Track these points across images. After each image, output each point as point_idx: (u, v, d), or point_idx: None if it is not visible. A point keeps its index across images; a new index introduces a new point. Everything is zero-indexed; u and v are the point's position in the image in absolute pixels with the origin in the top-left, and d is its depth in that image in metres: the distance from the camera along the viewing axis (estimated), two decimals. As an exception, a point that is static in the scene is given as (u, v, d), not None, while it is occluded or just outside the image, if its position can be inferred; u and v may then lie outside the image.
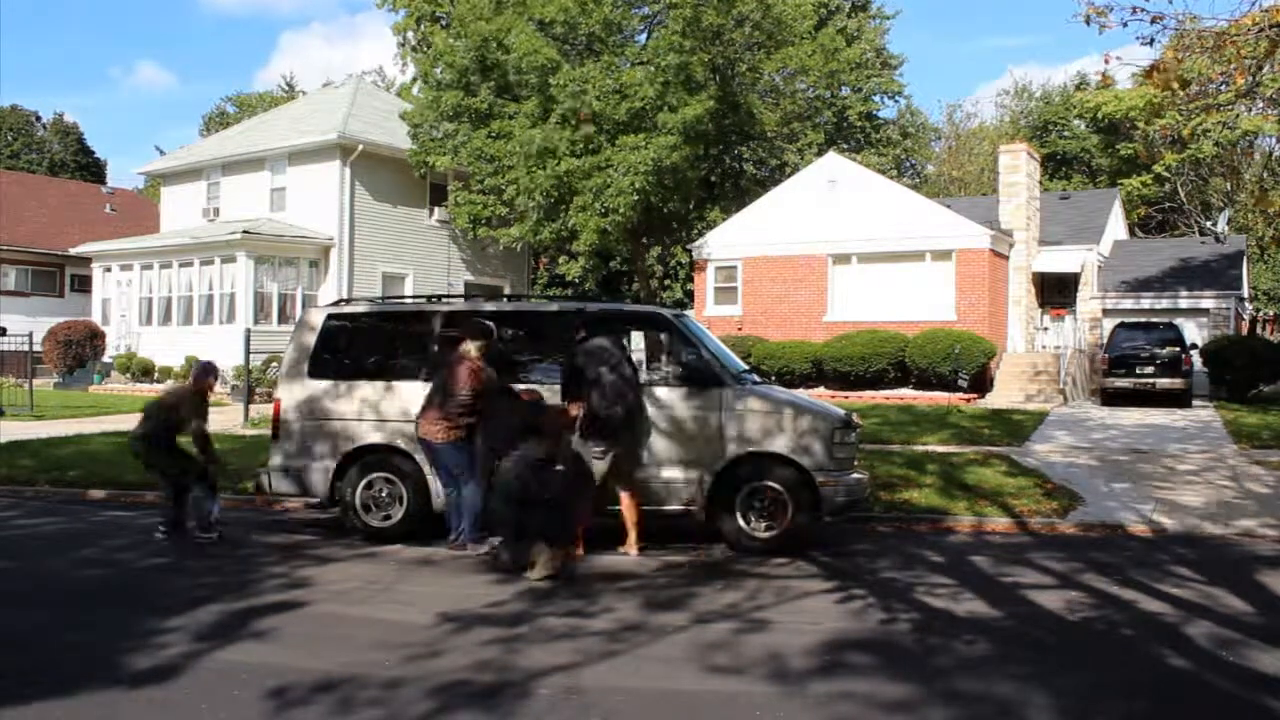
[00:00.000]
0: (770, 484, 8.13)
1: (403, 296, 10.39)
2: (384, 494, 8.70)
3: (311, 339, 9.09)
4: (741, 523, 8.16)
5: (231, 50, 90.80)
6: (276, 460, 9.03)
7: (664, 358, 8.73)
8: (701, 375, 8.36)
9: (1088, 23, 10.68)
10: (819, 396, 22.12)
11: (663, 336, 8.83)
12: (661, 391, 8.38)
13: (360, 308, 9.97)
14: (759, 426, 8.18)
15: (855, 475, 8.44)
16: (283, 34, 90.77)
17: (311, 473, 8.85)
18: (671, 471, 8.25)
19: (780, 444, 8.14)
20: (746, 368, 9.25)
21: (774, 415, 8.23)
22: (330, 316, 9.29)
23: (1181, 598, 6.71)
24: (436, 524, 8.63)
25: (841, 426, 8.31)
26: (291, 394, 9.04)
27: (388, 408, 8.71)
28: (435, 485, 8.50)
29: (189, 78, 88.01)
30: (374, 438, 8.72)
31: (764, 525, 8.15)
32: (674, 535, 8.93)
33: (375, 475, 8.71)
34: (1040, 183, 28.17)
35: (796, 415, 8.26)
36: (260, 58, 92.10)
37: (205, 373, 9.24)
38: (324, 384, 8.93)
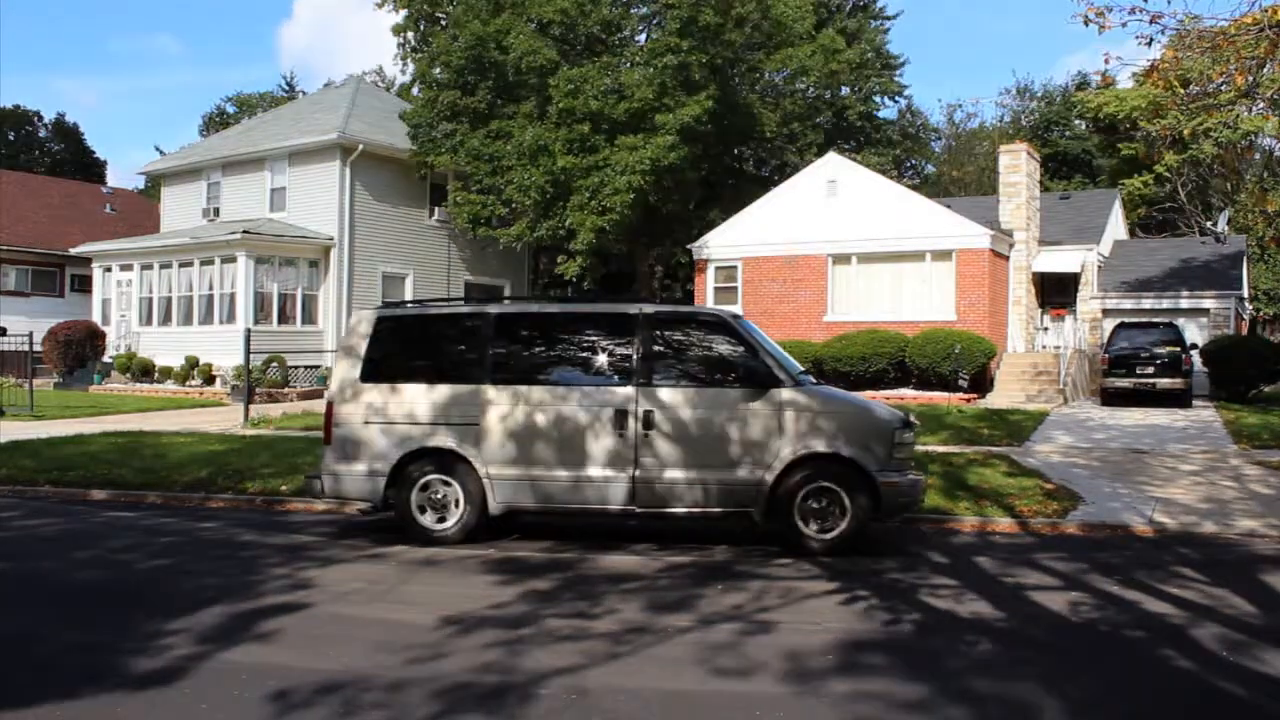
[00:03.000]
0: (830, 485, 8.08)
1: (451, 299, 10.28)
2: (440, 497, 8.61)
3: (363, 342, 8.95)
4: (800, 524, 8.10)
5: (233, 44, 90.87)
6: (329, 464, 8.88)
7: (723, 358, 8.64)
8: (760, 376, 8.30)
9: (1087, 23, 10.68)
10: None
11: (721, 337, 8.73)
12: (721, 392, 8.32)
13: (412, 310, 9.85)
14: (819, 427, 8.13)
15: (913, 475, 8.40)
16: (283, 33, 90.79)
17: (365, 477, 8.71)
18: (732, 473, 8.18)
19: (841, 445, 8.08)
20: (803, 368, 9.16)
21: (834, 416, 8.20)
22: (381, 319, 9.13)
23: (1185, 599, 6.70)
24: (494, 527, 8.60)
25: (901, 427, 8.27)
26: (344, 397, 8.87)
27: (443, 410, 8.60)
28: (491, 488, 8.46)
29: (195, 65, 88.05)
30: (430, 441, 8.60)
31: (823, 527, 8.09)
32: (687, 537, 8.92)
33: (431, 479, 8.62)
34: (1040, 183, 28.16)
35: (857, 415, 8.26)
36: (262, 53, 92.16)
37: None
38: (377, 387, 8.80)
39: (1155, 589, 6.94)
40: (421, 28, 29.59)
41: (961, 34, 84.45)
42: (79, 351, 27.41)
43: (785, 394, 8.23)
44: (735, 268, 25.45)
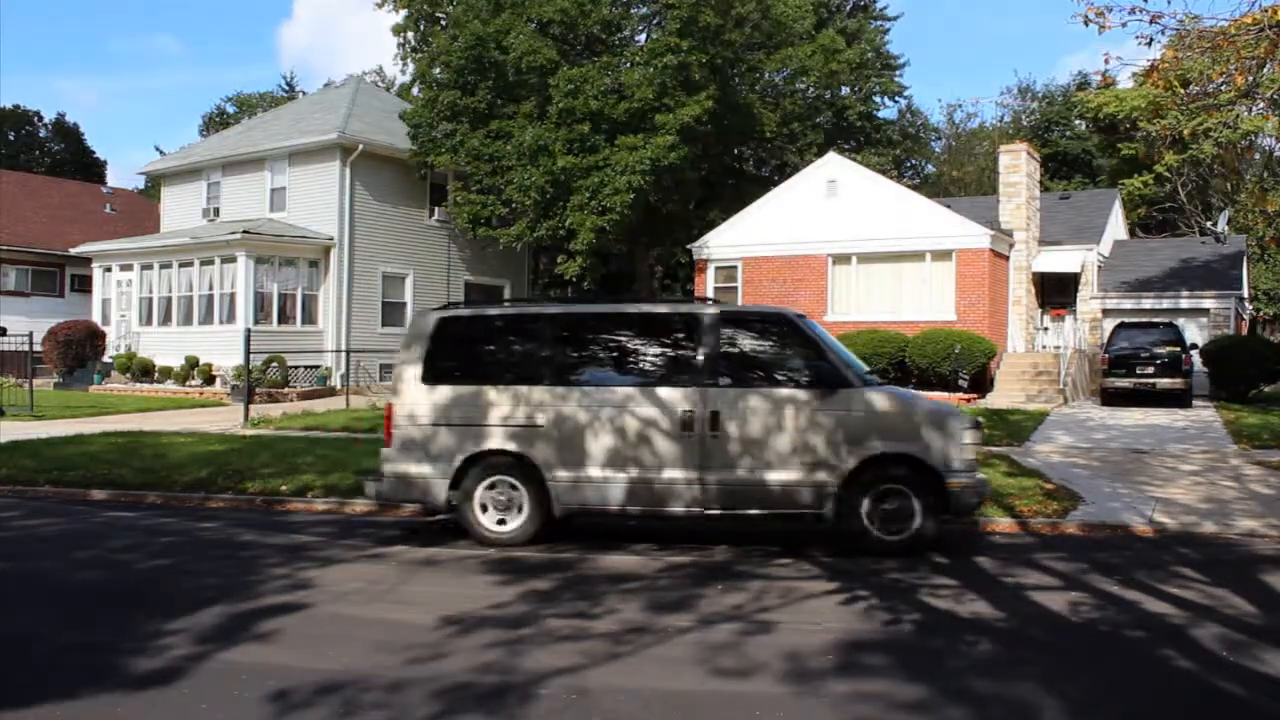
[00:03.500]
0: (899, 486, 8.04)
1: (513, 299, 10.09)
2: (504, 500, 8.53)
3: (424, 343, 8.85)
4: (869, 525, 8.06)
5: (235, 40, 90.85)
6: (390, 467, 8.78)
7: (788, 358, 8.59)
8: (828, 376, 8.26)
9: (1086, 23, 10.68)
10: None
11: (789, 337, 8.67)
12: (788, 393, 8.25)
13: (474, 311, 9.71)
14: (888, 428, 8.09)
15: (980, 475, 8.37)
16: (283, 33, 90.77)
17: (427, 479, 8.62)
18: (799, 474, 8.13)
19: (910, 446, 8.05)
20: (868, 369, 9.11)
21: (904, 416, 8.15)
22: (443, 320, 9.03)
23: (1185, 599, 6.70)
24: (556, 530, 8.55)
25: (970, 427, 8.22)
26: (404, 399, 8.77)
27: (507, 412, 8.52)
28: (556, 491, 8.40)
29: (195, 64, 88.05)
30: (493, 443, 8.51)
31: (893, 528, 8.05)
32: (687, 537, 8.92)
33: (494, 481, 8.54)
34: (1041, 183, 28.17)
35: (926, 417, 8.19)
36: (263, 51, 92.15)
37: None
38: (438, 388, 8.70)
39: (1155, 589, 6.94)
40: (421, 28, 29.61)
41: (961, 34, 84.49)
42: (79, 351, 27.41)
43: (853, 394, 8.18)
44: (735, 268, 25.45)
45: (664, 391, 8.37)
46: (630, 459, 8.31)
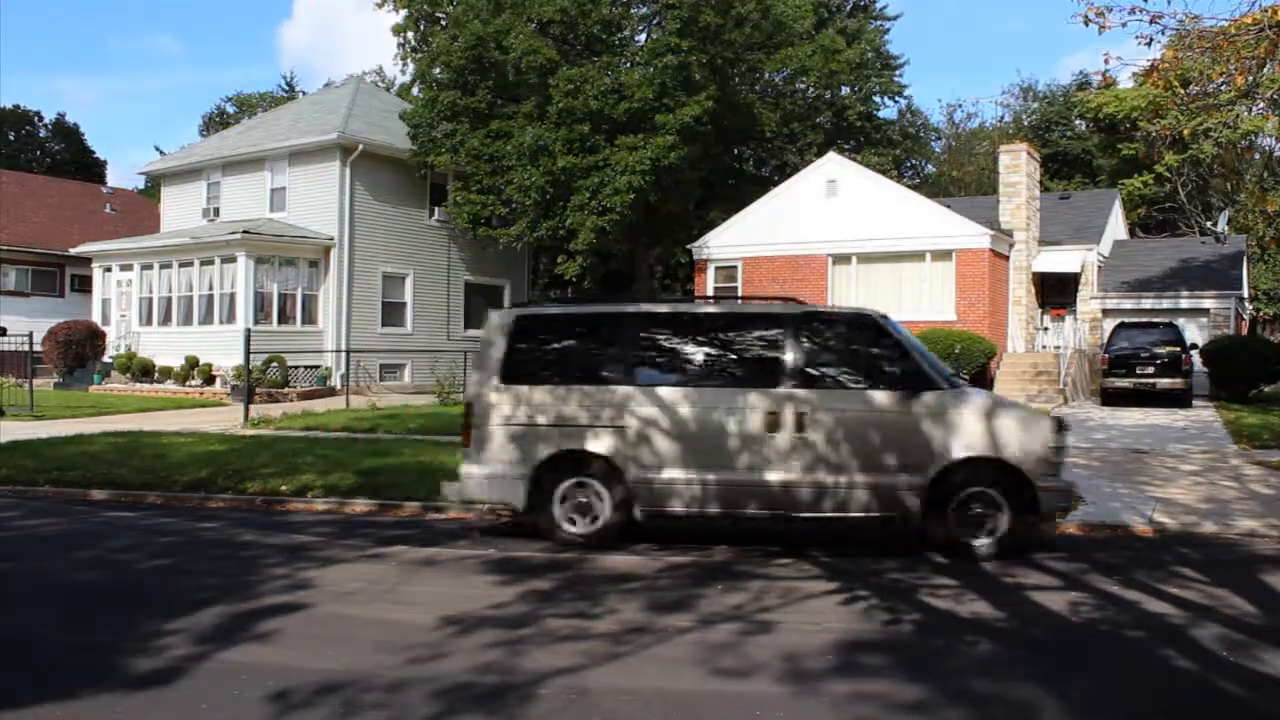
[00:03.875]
0: (987, 490, 7.90)
1: (590, 298, 9.87)
2: (584, 501, 8.42)
3: (502, 342, 8.73)
4: (955, 529, 7.95)
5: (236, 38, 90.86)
6: (468, 468, 8.67)
7: (874, 360, 8.48)
8: (914, 378, 8.14)
9: (1087, 23, 10.70)
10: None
11: (874, 338, 8.55)
12: (874, 394, 8.14)
13: (552, 310, 9.60)
14: (977, 431, 7.95)
15: (1066, 478, 8.26)
16: (283, 33, 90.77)
17: (506, 481, 8.49)
18: (885, 477, 8.00)
19: (999, 448, 7.91)
20: (952, 370, 9.07)
21: (992, 419, 8.01)
22: (520, 319, 8.91)
23: (1185, 598, 6.70)
24: (638, 532, 8.46)
25: (1058, 429, 8.10)
26: (483, 399, 8.65)
27: (586, 412, 8.39)
28: (638, 492, 8.27)
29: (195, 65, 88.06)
30: (573, 444, 8.39)
31: (981, 532, 7.92)
32: (687, 537, 8.92)
33: (574, 482, 8.42)
34: (1040, 183, 28.17)
35: (1014, 419, 8.06)
36: (264, 50, 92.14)
37: None
38: (517, 388, 8.57)
39: (1155, 589, 6.94)
40: (421, 28, 29.62)
41: (961, 34, 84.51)
42: (79, 351, 27.41)
43: (940, 397, 8.05)
44: (735, 268, 25.46)
45: (748, 392, 8.24)
46: (713, 460, 8.19)
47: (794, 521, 8.35)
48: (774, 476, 8.12)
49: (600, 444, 8.35)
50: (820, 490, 8.08)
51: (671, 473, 8.26)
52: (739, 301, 9.32)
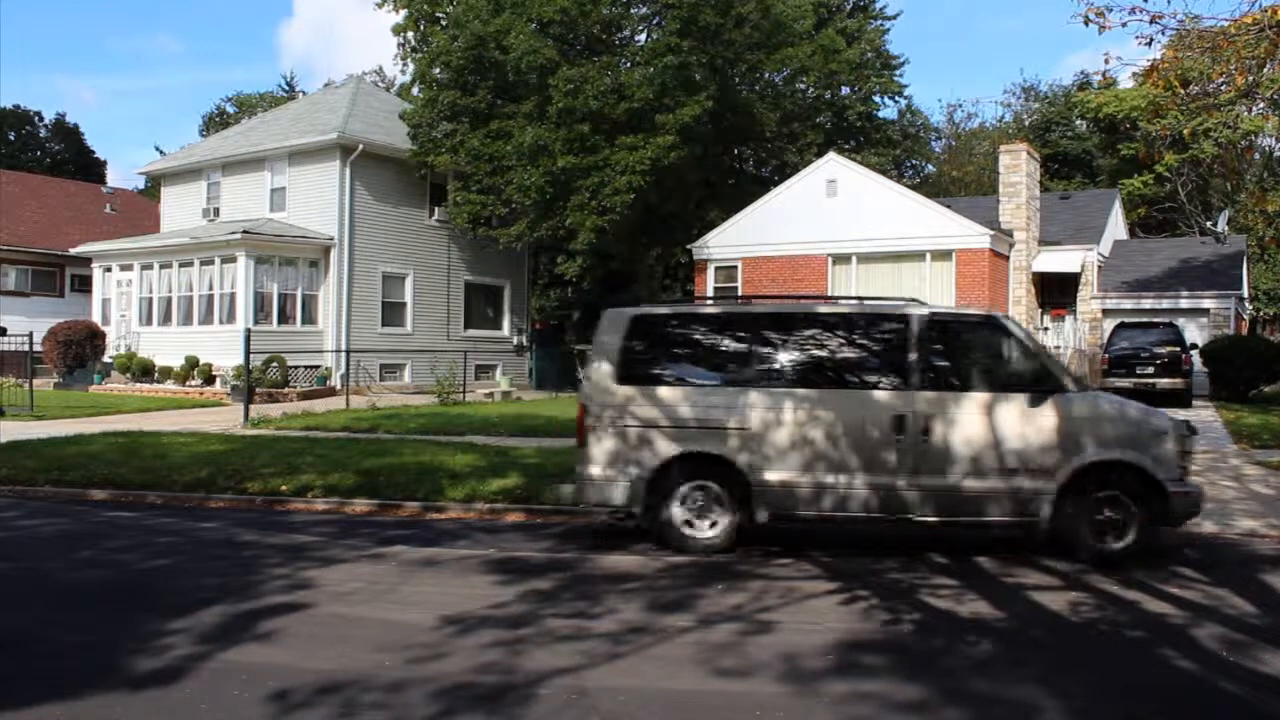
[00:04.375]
0: (1117, 494, 7.78)
1: (706, 297, 9.39)
2: (702, 504, 8.24)
3: (617, 342, 8.59)
4: (1084, 533, 7.80)
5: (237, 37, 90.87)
6: (583, 470, 8.51)
7: (1001, 362, 8.38)
8: (1042, 380, 8.01)
9: (1087, 23, 10.70)
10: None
11: (999, 340, 8.46)
12: (1001, 397, 8.00)
13: (668, 310, 9.33)
14: (1106, 434, 7.83)
15: (1195, 482, 8.16)
16: (283, 33, 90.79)
17: (623, 483, 8.33)
18: (1013, 481, 7.86)
19: (1129, 453, 7.78)
20: (1077, 373, 8.98)
21: (1122, 423, 7.90)
22: (636, 319, 8.74)
23: (1185, 598, 6.71)
24: (759, 536, 8.36)
25: (1188, 433, 8.00)
26: (598, 400, 8.51)
27: (705, 414, 8.23)
28: (758, 495, 8.12)
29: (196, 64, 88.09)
30: (692, 446, 8.23)
31: (1110, 537, 7.78)
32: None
33: (693, 485, 8.24)
34: (1041, 183, 28.18)
35: (1144, 423, 7.93)
36: (264, 49, 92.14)
37: None
38: (634, 389, 8.42)
39: (1155, 589, 6.95)
40: (421, 28, 29.60)
41: (961, 34, 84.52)
42: (79, 351, 27.42)
43: (1069, 400, 7.92)
44: (735, 268, 25.46)
45: (872, 394, 8.11)
46: (836, 463, 8.05)
47: (918, 526, 8.20)
48: (899, 480, 7.96)
49: (720, 446, 8.18)
50: (948, 494, 7.92)
51: (794, 476, 8.09)
52: (860, 301, 9.19)
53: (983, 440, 7.92)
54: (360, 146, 26.57)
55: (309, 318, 26.63)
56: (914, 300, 9.02)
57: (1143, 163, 35.40)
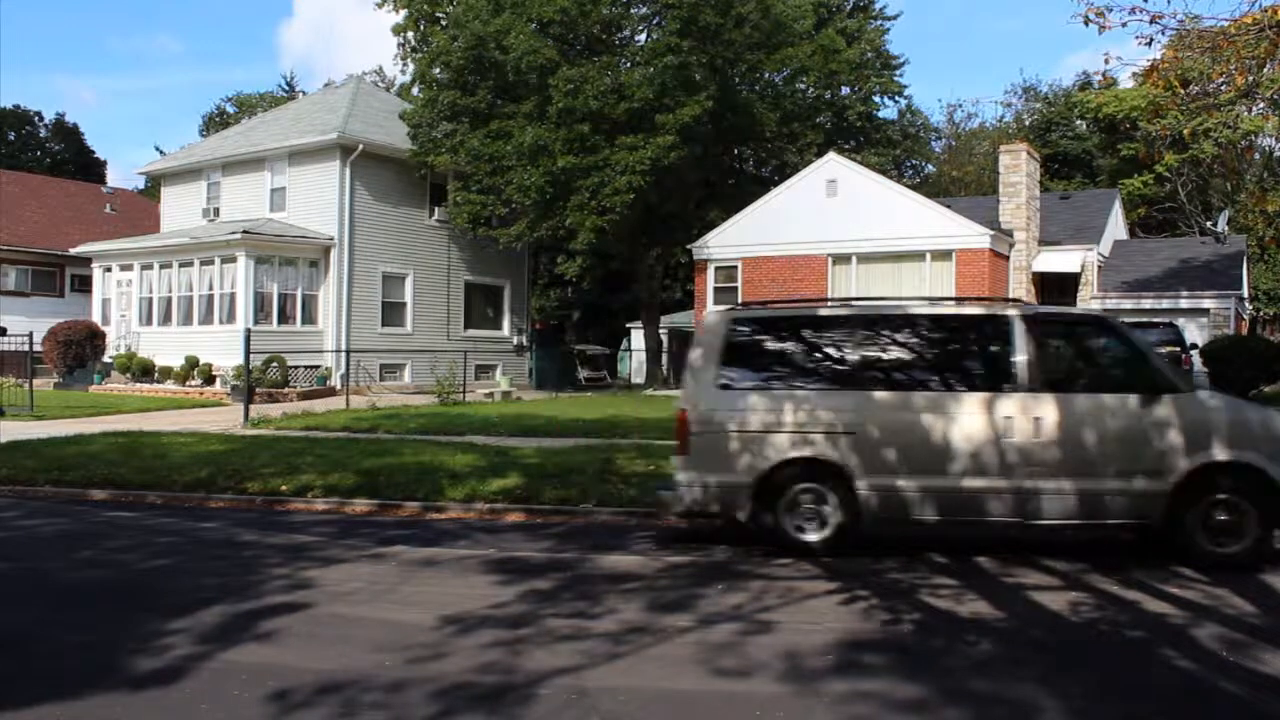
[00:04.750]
0: (1232, 497, 7.63)
1: (810, 299, 9.13)
2: (811, 509, 8.15)
3: (718, 344, 8.47)
4: (1198, 537, 7.65)
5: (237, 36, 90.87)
6: (686, 476, 8.35)
7: (1109, 362, 8.28)
8: (1151, 380, 7.88)
9: (1087, 23, 10.71)
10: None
11: (1107, 340, 8.36)
12: (1111, 398, 7.88)
13: (772, 311, 9.20)
14: (1220, 435, 7.69)
15: None
16: (283, 33, 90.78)
17: (729, 489, 8.22)
18: (1125, 483, 7.75)
19: (1246, 454, 7.63)
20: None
21: (1236, 424, 7.77)
22: (738, 321, 8.68)
23: (1185, 598, 6.71)
24: (866, 539, 8.24)
25: None
26: (700, 404, 8.36)
27: (812, 417, 8.11)
28: (866, 499, 8.03)
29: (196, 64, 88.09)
30: (799, 450, 8.11)
31: (1225, 540, 7.62)
32: (688, 536, 8.91)
33: (802, 489, 8.14)
34: (1041, 183, 28.18)
35: (1260, 423, 7.81)
36: (264, 49, 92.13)
37: None
38: (737, 392, 8.31)
39: (1155, 589, 6.95)
40: (421, 28, 29.63)
41: (961, 34, 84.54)
42: (79, 351, 27.43)
43: (1182, 400, 7.78)
44: (735, 268, 25.47)
45: (980, 396, 7.98)
46: (945, 466, 7.93)
47: (1030, 529, 8.11)
48: (1009, 483, 7.86)
49: (825, 450, 8.08)
50: (1059, 497, 7.83)
51: (903, 479, 8.01)
52: (962, 301, 9.12)
53: (1094, 442, 7.80)
54: (360, 146, 26.58)
55: (309, 318, 26.63)
56: (1016, 300, 8.92)
57: (1143, 163, 35.42)
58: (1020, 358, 8.06)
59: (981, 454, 7.89)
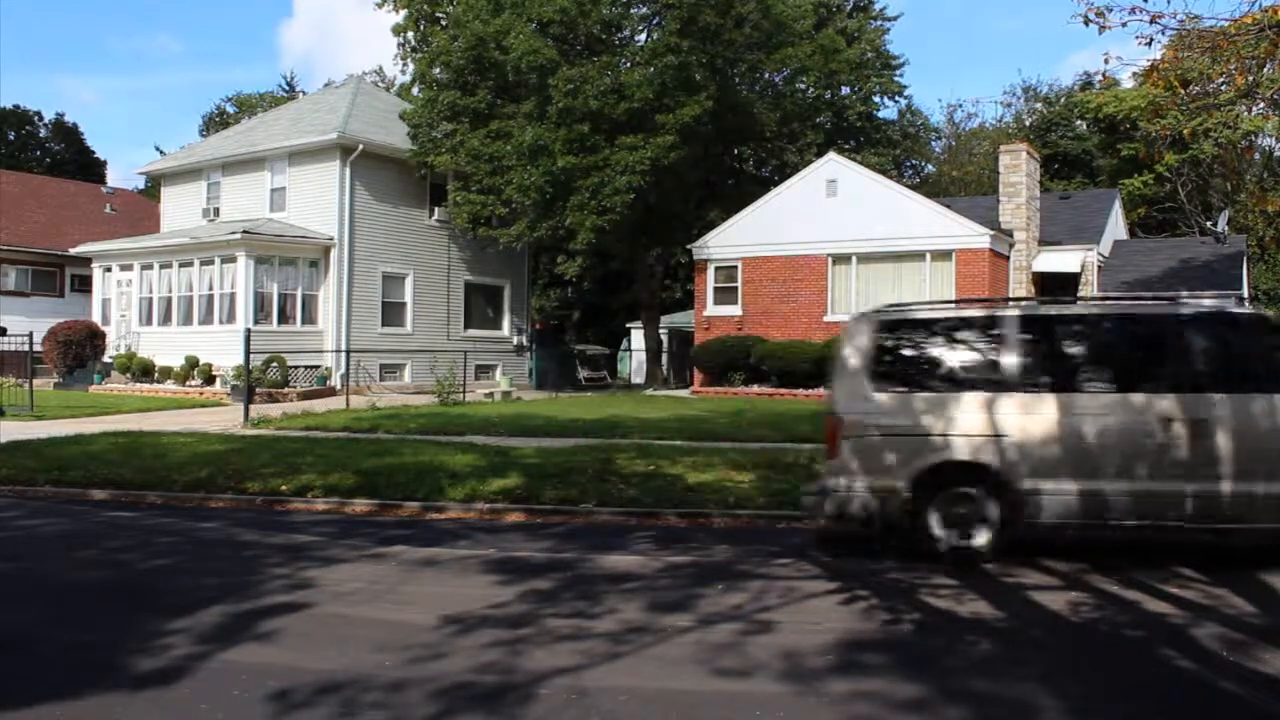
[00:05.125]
0: None
1: (960, 299, 8.80)
2: (967, 514, 7.92)
3: (867, 347, 8.30)
4: None
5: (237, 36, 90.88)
6: (837, 481, 8.20)
7: (1277, 361, 7.95)
8: None
9: (1087, 23, 10.71)
10: (819, 397, 22.19)
11: (1272, 339, 8.10)
12: None
13: (924, 313, 8.90)
14: None
15: None
16: (283, 33, 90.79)
17: (882, 494, 8.04)
18: None
19: None
20: None
21: None
22: (885, 323, 8.49)
23: (1185, 598, 6.71)
24: (1024, 545, 8.11)
25: None
26: (850, 407, 8.19)
27: (969, 420, 7.90)
28: (1026, 504, 7.81)
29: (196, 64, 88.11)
30: (955, 454, 7.91)
31: None
32: (686, 537, 8.91)
33: (958, 493, 7.93)
34: (1041, 183, 28.18)
35: None
36: (264, 50, 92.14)
37: None
38: (888, 395, 8.14)
39: (1155, 589, 6.94)
40: (421, 28, 29.65)
41: (961, 34, 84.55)
42: (79, 351, 27.43)
43: None
44: (735, 268, 25.47)
45: (1145, 398, 7.74)
46: (1109, 470, 7.69)
47: (1189, 533, 7.94)
48: (1179, 487, 7.63)
49: (983, 453, 7.87)
50: (1229, 501, 7.62)
51: (1062, 484, 7.78)
52: (1122, 301, 8.96)
53: (1267, 444, 7.61)
54: (360, 146, 26.58)
55: (309, 318, 26.63)
56: (1171, 298, 8.70)
57: (1143, 163, 35.43)
58: (1187, 356, 7.88)
59: (1147, 457, 7.64)
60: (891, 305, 9.21)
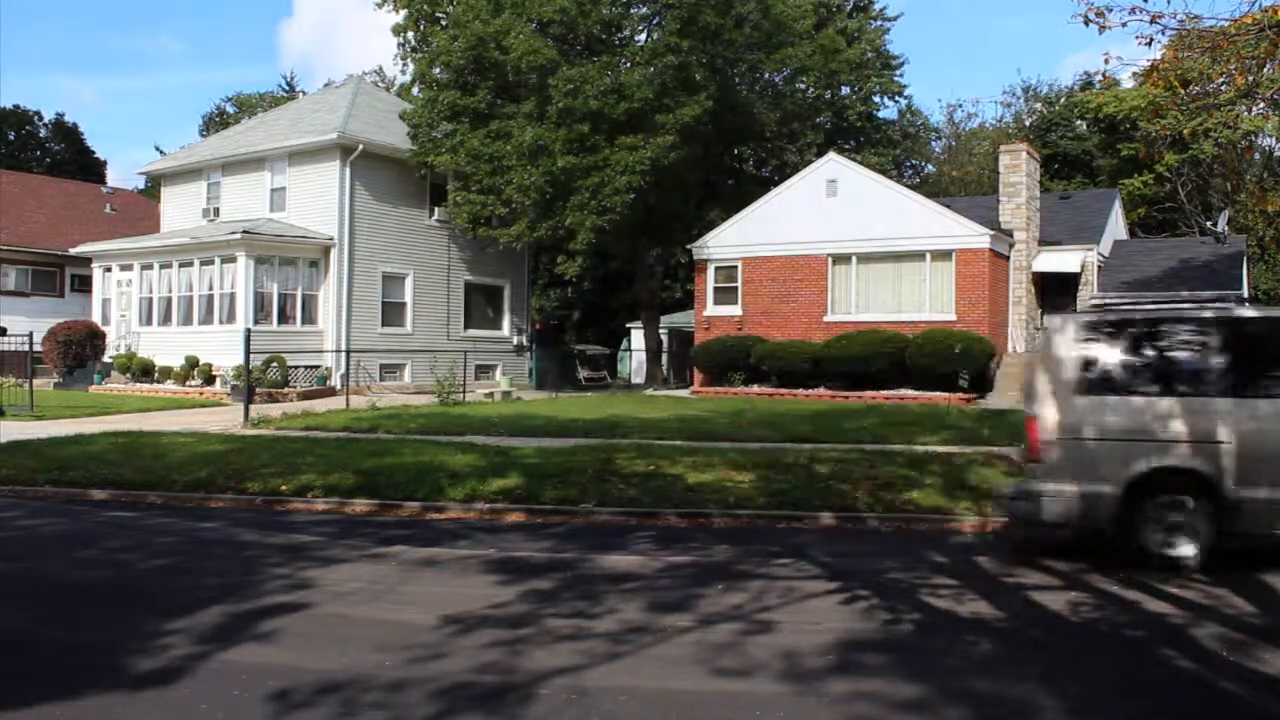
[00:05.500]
0: None
1: (1171, 298, 8.63)
2: (1178, 521, 7.70)
3: (1070, 347, 8.07)
4: None
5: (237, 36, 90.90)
6: (1040, 486, 8.00)
7: None
8: None
9: (1087, 23, 10.70)
10: (819, 396, 22.21)
11: None
12: None
13: (1132, 313, 8.49)
14: None
15: None
16: (283, 33, 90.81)
17: (1089, 500, 7.82)
18: None
19: None
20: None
21: None
22: (1089, 324, 8.24)
23: (1185, 598, 6.71)
24: (1238, 554, 7.96)
25: None
26: (1055, 411, 7.97)
27: (1180, 425, 7.67)
28: (1242, 513, 7.56)
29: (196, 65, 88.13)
30: (1165, 460, 7.67)
31: None
32: (685, 537, 8.91)
33: (1169, 501, 7.69)
34: (1041, 183, 28.18)
35: None
36: (265, 50, 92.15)
37: None
38: (1092, 398, 7.92)
39: (1155, 589, 6.95)
40: (421, 28, 29.63)
41: (961, 34, 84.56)
42: (79, 351, 27.42)
43: None
44: (735, 268, 25.47)
45: None
46: None
47: None
48: None
49: (1196, 460, 7.63)
50: None
51: (1277, 492, 7.53)
52: None
53: None
54: (360, 146, 26.57)
55: (309, 318, 26.62)
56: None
57: (1143, 163, 35.41)
58: None
59: None
60: (1096, 304, 8.96)
